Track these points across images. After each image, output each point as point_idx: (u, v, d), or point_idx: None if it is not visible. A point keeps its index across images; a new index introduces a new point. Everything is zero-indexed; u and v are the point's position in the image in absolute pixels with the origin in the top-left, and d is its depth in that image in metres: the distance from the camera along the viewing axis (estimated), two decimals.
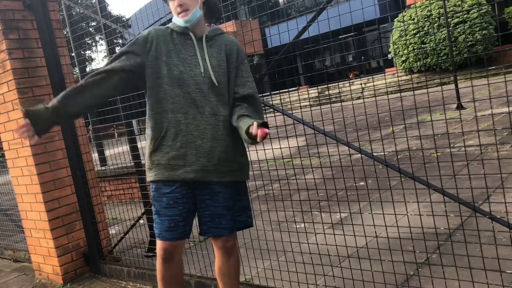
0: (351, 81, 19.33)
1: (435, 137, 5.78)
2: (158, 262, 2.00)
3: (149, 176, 1.93)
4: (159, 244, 1.96)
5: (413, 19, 17.21)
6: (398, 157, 5.49)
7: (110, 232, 3.98)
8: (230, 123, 1.92)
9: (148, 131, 1.94)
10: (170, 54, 1.88)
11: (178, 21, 1.90)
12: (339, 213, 3.72)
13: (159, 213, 1.92)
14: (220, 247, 2.03)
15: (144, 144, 2.03)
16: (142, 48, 1.88)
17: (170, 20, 1.99)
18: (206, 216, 1.95)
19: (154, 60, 1.88)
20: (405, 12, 18.48)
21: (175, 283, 2.04)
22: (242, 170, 1.99)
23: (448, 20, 16.12)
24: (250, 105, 1.94)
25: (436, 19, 16.21)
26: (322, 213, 3.87)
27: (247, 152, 2.06)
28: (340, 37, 19.84)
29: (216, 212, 1.93)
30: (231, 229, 1.97)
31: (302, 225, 3.67)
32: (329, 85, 18.14)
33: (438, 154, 5.34)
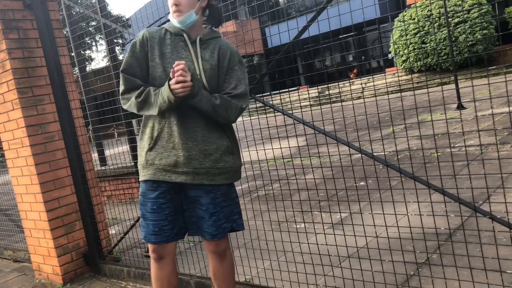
0: (351, 81, 19.33)
1: (436, 137, 5.77)
2: (151, 262, 2.06)
3: (141, 175, 1.95)
4: (149, 245, 2.01)
5: (414, 19, 17.21)
6: (399, 157, 5.49)
7: (110, 232, 3.98)
8: (222, 126, 1.93)
9: (146, 130, 1.94)
10: (163, 55, 1.89)
11: (173, 21, 1.91)
12: (339, 213, 3.72)
13: (144, 216, 1.94)
14: (211, 251, 2.03)
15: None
16: (142, 52, 1.90)
17: (169, 20, 1.99)
18: (193, 217, 1.95)
19: (150, 61, 1.90)
20: (405, 11, 18.48)
21: (167, 282, 2.06)
22: (234, 173, 1.98)
23: (449, 19, 16.11)
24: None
25: (437, 18, 16.20)
26: (322, 213, 3.87)
27: (241, 154, 2.05)
28: (340, 36, 19.84)
29: (198, 215, 1.93)
30: (213, 235, 1.92)
31: (302, 225, 3.67)
32: (329, 85, 18.13)
33: (439, 154, 5.33)
